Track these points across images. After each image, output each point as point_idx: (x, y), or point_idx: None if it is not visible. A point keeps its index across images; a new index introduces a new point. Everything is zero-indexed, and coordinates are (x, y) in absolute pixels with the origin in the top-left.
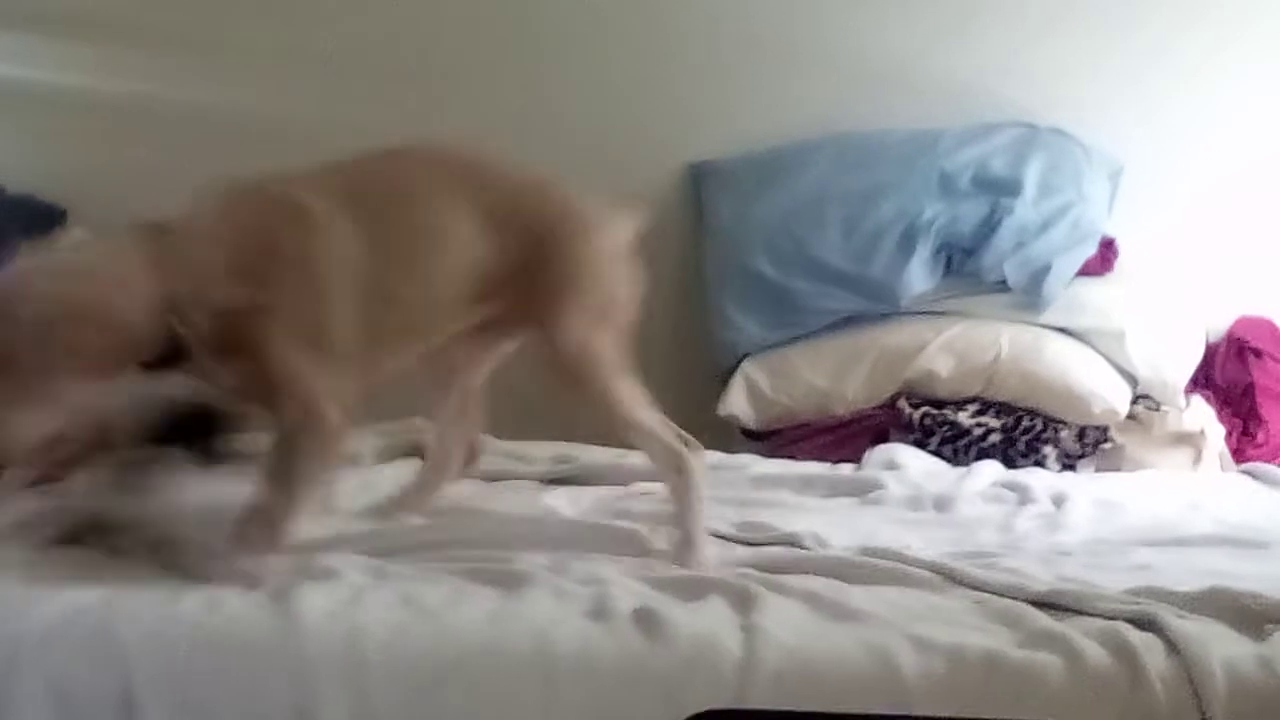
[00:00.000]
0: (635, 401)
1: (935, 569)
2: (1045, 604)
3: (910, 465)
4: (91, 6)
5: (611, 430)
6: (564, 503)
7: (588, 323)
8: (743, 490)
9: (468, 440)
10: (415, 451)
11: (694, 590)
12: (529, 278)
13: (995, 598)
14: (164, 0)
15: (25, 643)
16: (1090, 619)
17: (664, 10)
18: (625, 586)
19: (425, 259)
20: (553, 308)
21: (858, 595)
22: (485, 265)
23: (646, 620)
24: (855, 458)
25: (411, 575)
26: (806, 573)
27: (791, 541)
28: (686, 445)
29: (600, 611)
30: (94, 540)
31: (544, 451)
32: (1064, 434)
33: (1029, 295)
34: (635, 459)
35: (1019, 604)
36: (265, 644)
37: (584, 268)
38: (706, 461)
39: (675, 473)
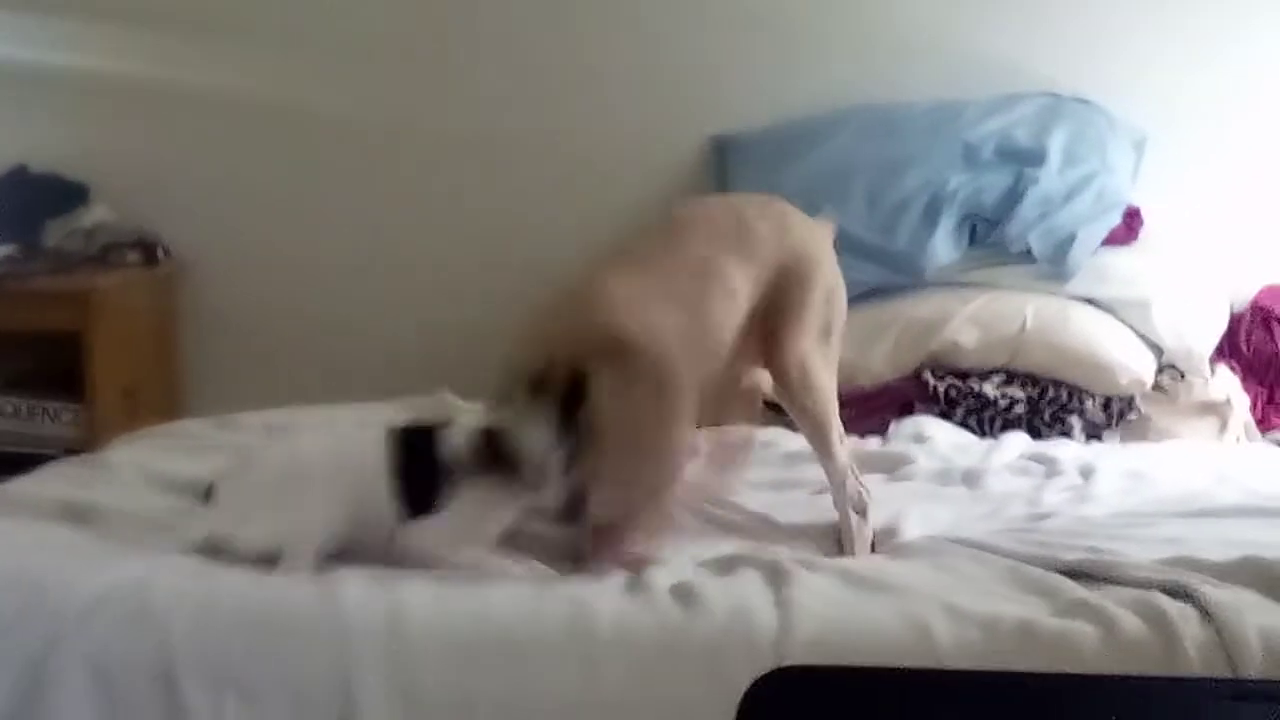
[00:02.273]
0: (837, 433)
1: (968, 545)
2: (1078, 574)
3: (938, 437)
4: None
5: (813, 446)
6: None
7: (810, 341)
8: (776, 469)
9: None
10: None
11: (728, 566)
12: (775, 298)
13: (1028, 568)
14: None
15: (66, 618)
16: (1123, 588)
17: None
18: (662, 563)
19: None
20: (786, 325)
21: (891, 568)
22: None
23: (683, 594)
24: (881, 430)
25: None
26: None
27: None
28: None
29: (638, 586)
30: None
31: None
32: (1089, 404)
33: (1054, 265)
34: None
35: (1052, 574)
36: (306, 620)
37: (816, 291)
38: None
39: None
